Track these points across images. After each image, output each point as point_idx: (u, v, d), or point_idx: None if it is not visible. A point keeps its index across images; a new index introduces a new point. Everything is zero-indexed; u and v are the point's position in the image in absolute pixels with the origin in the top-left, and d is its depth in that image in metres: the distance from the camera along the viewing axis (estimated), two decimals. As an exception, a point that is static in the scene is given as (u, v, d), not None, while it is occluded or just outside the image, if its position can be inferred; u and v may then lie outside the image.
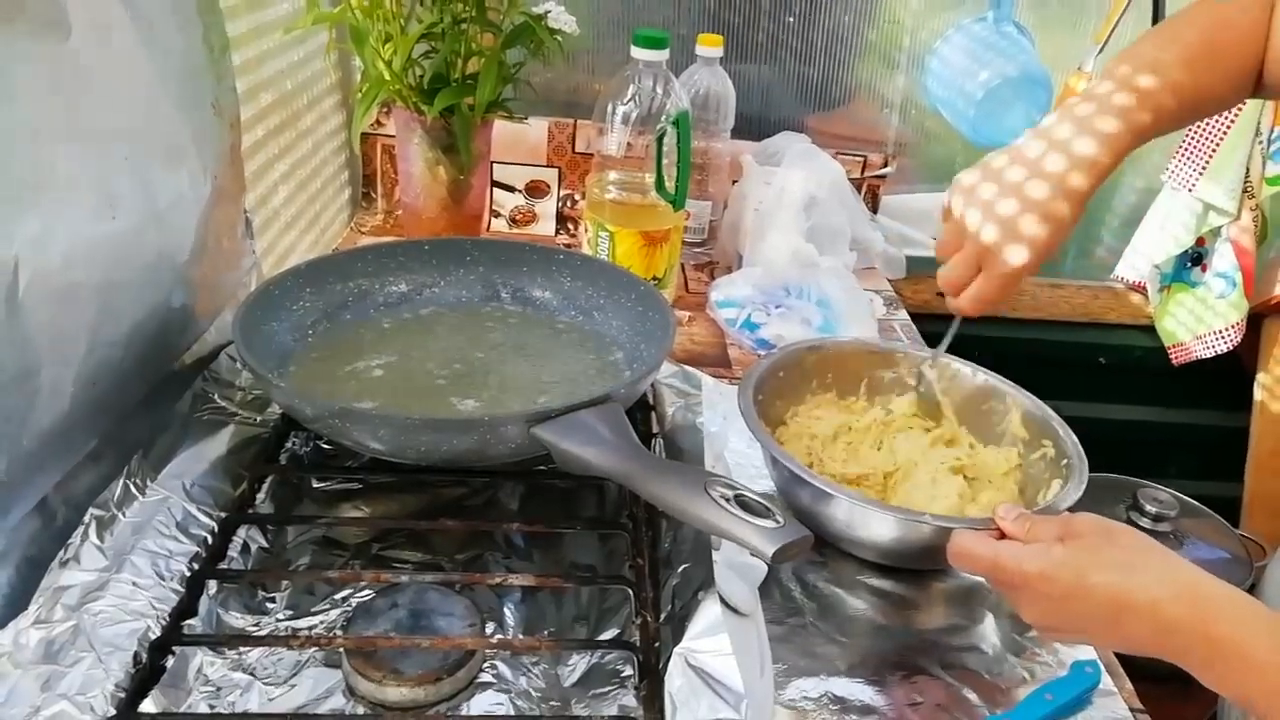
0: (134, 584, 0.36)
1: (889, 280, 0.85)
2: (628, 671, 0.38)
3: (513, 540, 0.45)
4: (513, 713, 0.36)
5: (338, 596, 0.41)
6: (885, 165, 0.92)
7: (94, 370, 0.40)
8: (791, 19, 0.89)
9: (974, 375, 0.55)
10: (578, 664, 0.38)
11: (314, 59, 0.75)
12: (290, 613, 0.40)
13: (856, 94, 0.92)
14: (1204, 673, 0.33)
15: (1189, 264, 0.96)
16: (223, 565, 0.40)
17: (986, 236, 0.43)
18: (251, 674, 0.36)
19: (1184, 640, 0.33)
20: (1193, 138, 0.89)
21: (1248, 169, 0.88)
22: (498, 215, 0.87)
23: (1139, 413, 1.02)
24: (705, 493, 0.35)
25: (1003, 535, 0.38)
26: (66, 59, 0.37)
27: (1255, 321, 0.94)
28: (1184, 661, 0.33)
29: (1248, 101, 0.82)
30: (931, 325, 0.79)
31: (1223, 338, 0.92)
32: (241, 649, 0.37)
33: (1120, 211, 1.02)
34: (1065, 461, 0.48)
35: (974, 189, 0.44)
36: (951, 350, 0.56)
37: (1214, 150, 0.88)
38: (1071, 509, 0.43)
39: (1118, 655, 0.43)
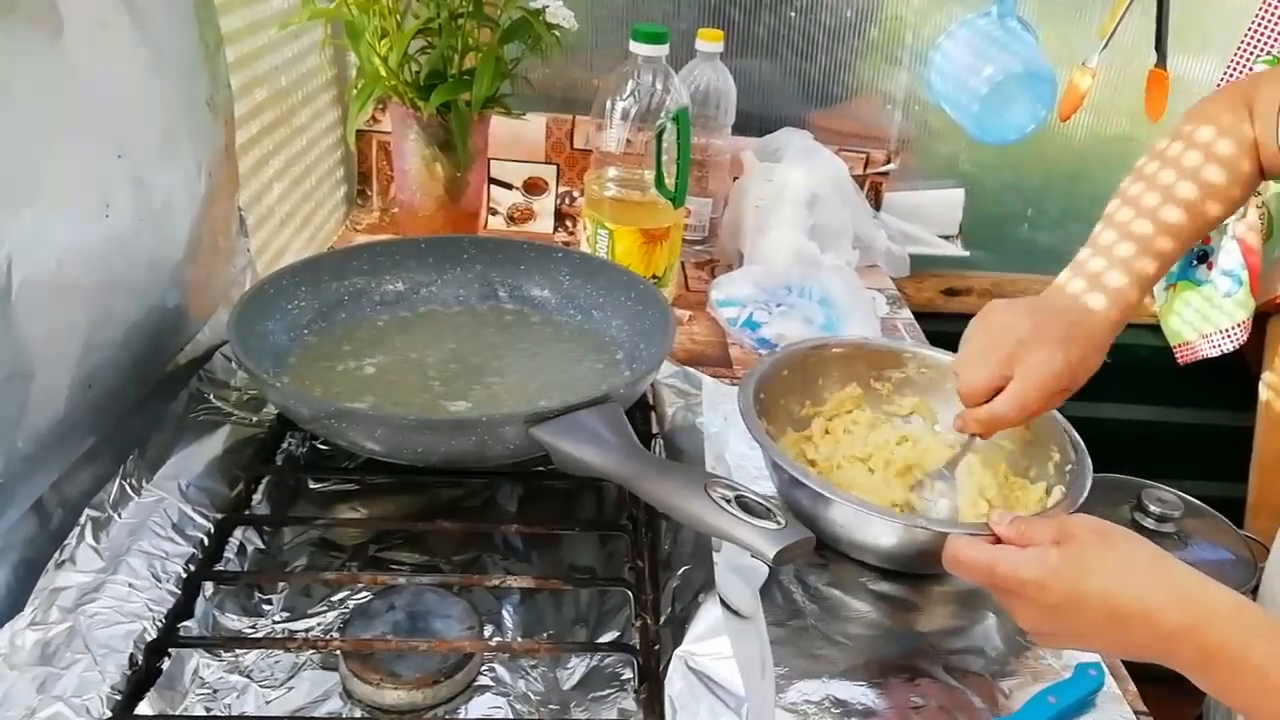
0: (130, 585, 0.36)
1: (892, 278, 0.85)
2: (627, 674, 0.37)
3: (511, 542, 0.44)
4: (511, 716, 0.36)
5: (335, 598, 0.40)
6: (888, 162, 0.92)
7: (89, 371, 0.40)
8: (793, 14, 0.88)
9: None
10: (577, 667, 0.38)
11: (309, 55, 0.74)
12: (287, 615, 0.40)
13: (859, 90, 0.91)
14: (1199, 677, 0.33)
15: (1195, 262, 0.95)
16: (219, 567, 0.39)
17: (1018, 335, 0.44)
18: (248, 676, 0.36)
19: (1179, 646, 0.33)
20: (1198, 134, 0.88)
21: (1254, 166, 0.87)
22: (495, 213, 0.86)
23: (1144, 412, 1.02)
24: (706, 494, 0.35)
25: (998, 540, 0.38)
26: (59, 56, 0.36)
27: (1261, 320, 0.93)
28: (1180, 666, 0.33)
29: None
30: (934, 324, 0.79)
31: (1228, 336, 0.91)
32: (238, 651, 0.37)
33: (1124, 208, 1.01)
34: (1069, 468, 0.47)
35: (1005, 316, 0.46)
36: (956, 349, 0.56)
37: (1219, 147, 0.87)
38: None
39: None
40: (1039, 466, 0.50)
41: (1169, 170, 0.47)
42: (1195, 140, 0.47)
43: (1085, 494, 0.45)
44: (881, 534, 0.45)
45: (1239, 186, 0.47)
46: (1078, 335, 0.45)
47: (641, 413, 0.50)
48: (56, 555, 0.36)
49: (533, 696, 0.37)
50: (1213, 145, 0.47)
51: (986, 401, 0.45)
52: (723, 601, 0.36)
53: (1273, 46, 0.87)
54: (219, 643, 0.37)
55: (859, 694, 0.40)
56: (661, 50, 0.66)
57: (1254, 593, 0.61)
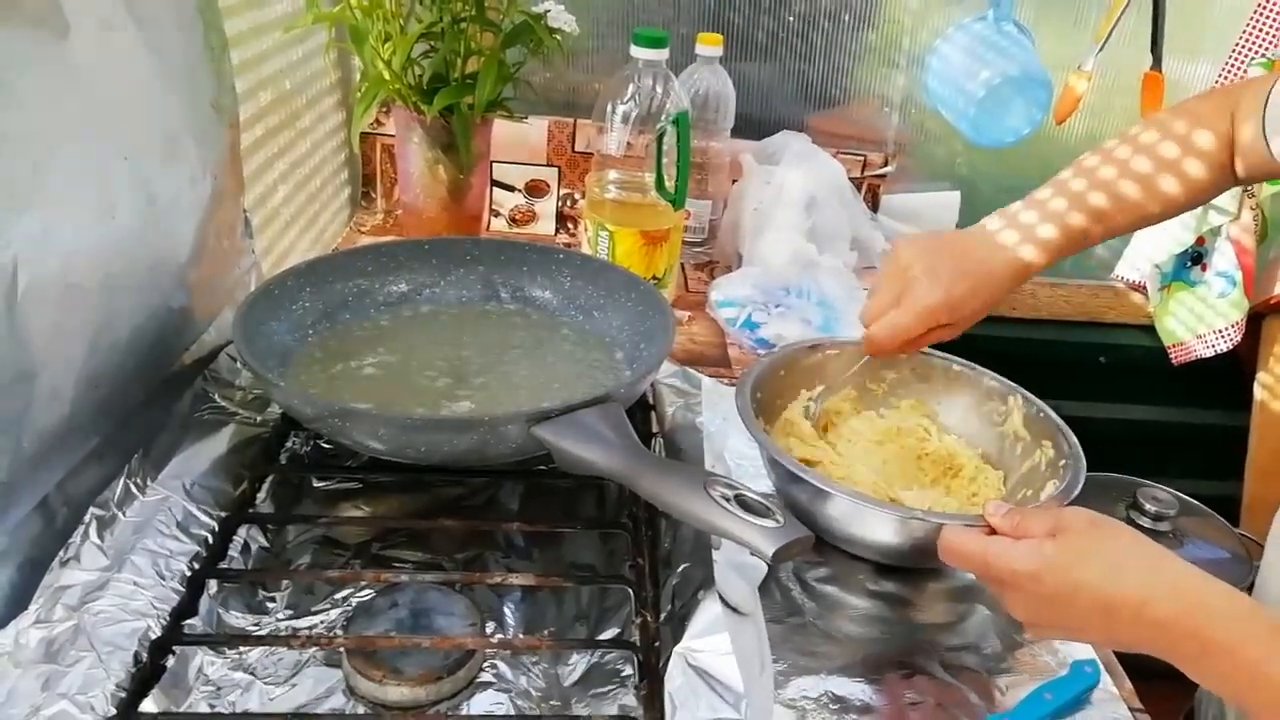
0: (134, 583, 0.36)
1: (887, 280, 0.85)
2: (628, 671, 0.38)
3: (513, 540, 0.45)
4: (513, 712, 0.36)
5: (338, 596, 0.41)
6: (885, 164, 0.92)
7: (94, 371, 0.40)
8: (792, 18, 0.88)
9: (974, 375, 0.55)
10: (578, 663, 0.38)
11: (313, 58, 0.75)
12: (290, 612, 0.40)
13: (856, 93, 0.92)
14: (1193, 669, 0.33)
15: (1189, 263, 0.96)
16: (223, 565, 0.40)
17: (915, 276, 0.47)
18: (252, 673, 0.36)
19: (1173, 637, 0.33)
20: (1193, 137, 0.89)
21: (1248, 168, 0.88)
22: (497, 215, 0.87)
23: (1139, 412, 1.02)
24: (705, 492, 0.35)
25: (993, 531, 0.39)
26: (65, 58, 0.37)
27: (1255, 321, 0.94)
28: (1173, 658, 0.34)
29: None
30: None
31: (1223, 337, 0.92)
32: (242, 649, 0.37)
33: (1120, 211, 1.02)
34: (1064, 462, 0.48)
35: (923, 247, 0.48)
36: (953, 350, 0.56)
37: (1214, 149, 0.88)
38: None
39: (1115, 653, 0.43)
40: (1032, 461, 0.51)
41: (1126, 145, 0.48)
42: (1163, 123, 0.48)
43: (1079, 488, 0.45)
44: (879, 527, 0.45)
45: (1205, 169, 0.47)
46: (970, 271, 0.47)
47: (642, 412, 0.50)
48: (61, 553, 0.36)
49: (534, 693, 0.37)
50: (1178, 128, 0.47)
51: None
52: (722, 599, 0.36)
53: (1267, 49, 0.88)
54: (223, 640, 0.37)
55: (857, 690, 0.40)
56: (662, 54, 0.67)
57: (1249, 591, 0.61)
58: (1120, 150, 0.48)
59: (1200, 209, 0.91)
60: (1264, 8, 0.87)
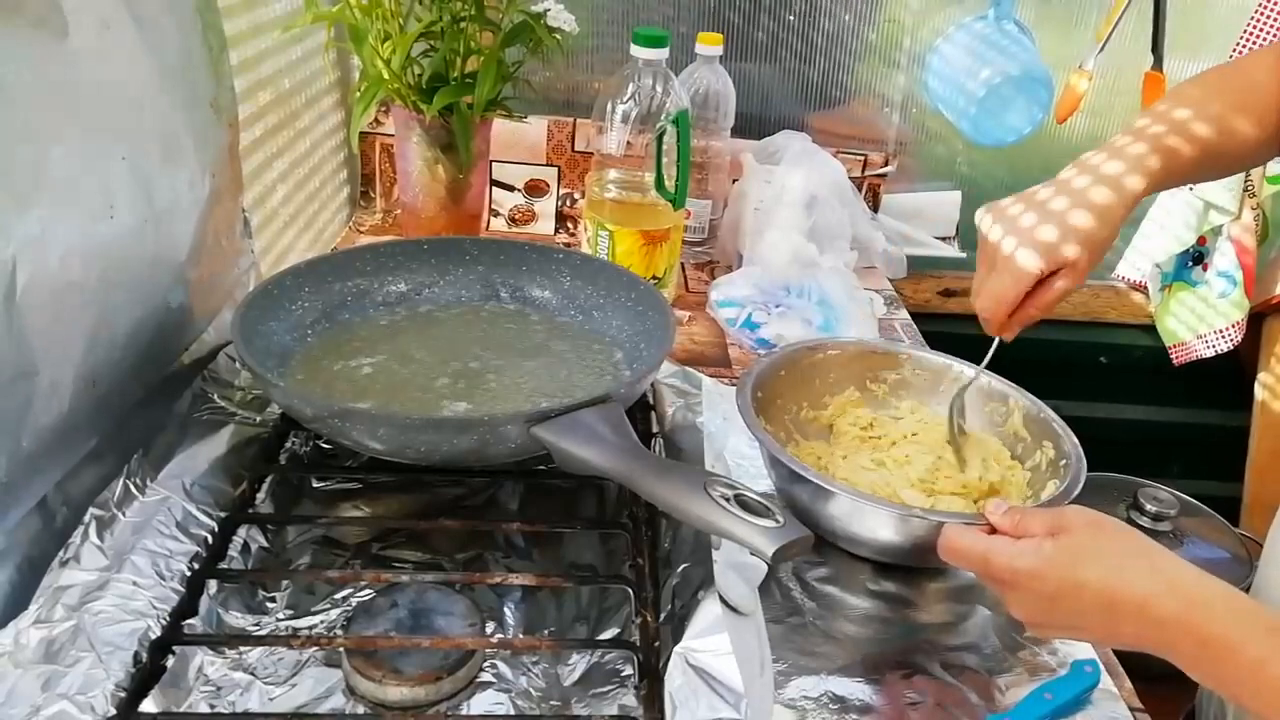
0: (134, 584, 0.36)
1: (889, 280, 0.85)
2: (628, 671, 0.38)
3: (513, 540, 0.45)
4: (513, 712, 0.36)
5: (338, 596, 0.41)
6: (886, 164, 0.92)
7: (93, 370, 0.40)
8: (792, 17, 0.88)
9: (975, 376, 0.55)
10: (578, 663, 0.38)
11: (312, 57, 0.75)
12: (290, 612, 0.40)
13: (857, 93, 0.92)
14: (1193, 668, 0.33)
15: (1190, 263, 0.96)
16: (223, 565, 0.40)
17: (1004, 243, 0.43)
18: (252, 673, 0.36)
19: (1173, 636, 0.33)
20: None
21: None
22: (497, 214, 0.87)
23: (1139, 412, 1.02)
24: (705, 492, 0.35)
25: (993, 529, 0.39)
26: (64, 58, 0.37)
27: (1256, 321, 0.94)
28: (1173, 657, 0.34)
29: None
30: (931, 325, 0.80)
31: (1224, 337, 0.92)
32: (242, 648, 0.37)
33: (1121, 210, 1.01)
34: (1064, 462, 0.48)
35: (991, 216, 0.45)
36: (953, 350, 0.56)
37: (1215, 149, 0.88)
38: (1069, 508, 0.43)
39: (1115, 653, 0.43)
40: (1033, 461, 0.51)
41: (1183, 93, 0.45)
42: (1221, 70, 0.45)
43: (1080, 488, 0.45)
44: (879, 526, 0.45)
45: (1259, 126, 0.44)
46: (1058, 210, 0.42)
47: (642, 412, 0.50)
48: (61, 554, 0.36)
49: (534, 693, 0.37)
50: (1236, 80, 0.45)
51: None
52: (722, 599, 0.36)
53: (1268, 49, 0.88)
54: (223, 640, 0.37)
55: (857, 690, 0.40)
56: (661, 54, 0.66)
57: (1249, 591, 0.61)
58: (1176, 99, 0.45)
59: (1201, 208, 0.91)
60: (1265, 7, 0.86)
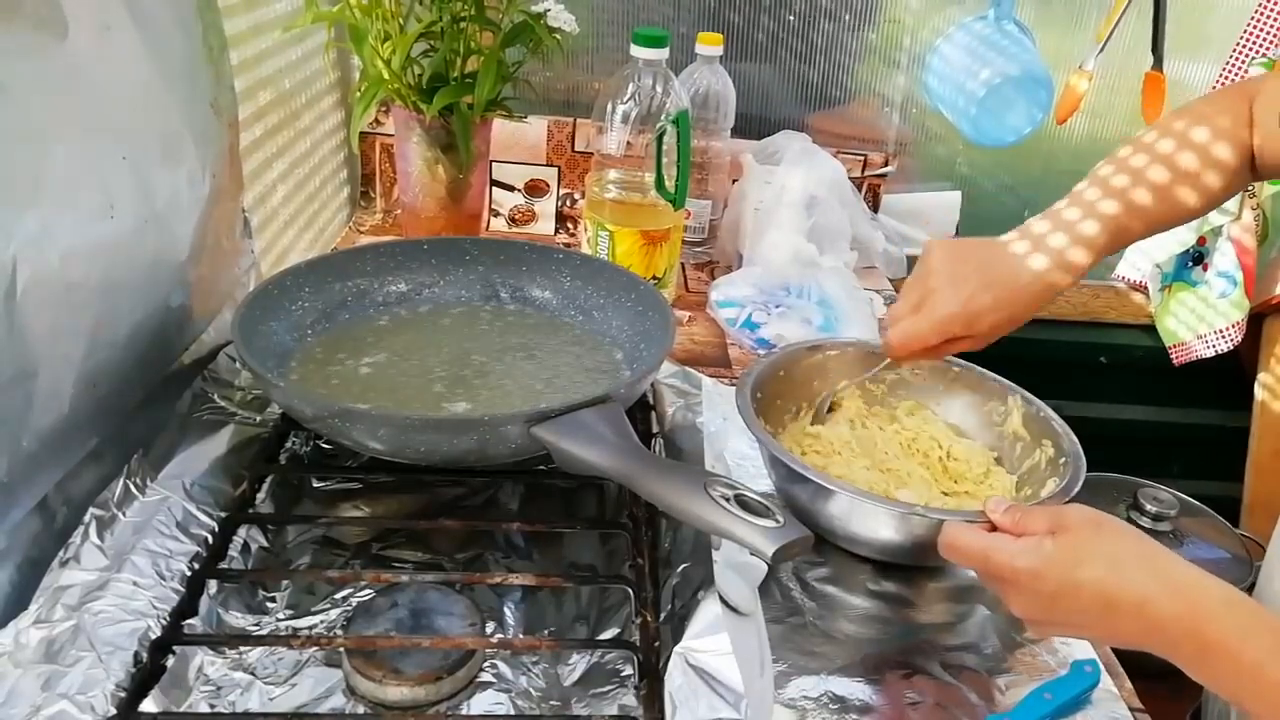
0: (134, 583, 0.36)
1: (890, 280, 0.85)
2: (628, 671, 0.38)
3: (513, 540, 0.45)
4: (513, 712, 0.36)
5: (338, 596, 0.41)
6: (886, 164, 0.92)
7: (93, 370, 0.40)
8: (792, 18, 0.88)
9: (974, 375, 0.55)
10: (578, 663, 0.38)
11: (313, 57, 0.75)
12: (290, 612, 0.40)
13: (857, 93, 0.92)
14: (1193, 668, 0.33)
15: (1190, 263, 0.96)
16: (223, 565, 0.40)
17: (934, 287, 0.46)
18: (252, 673, 0.36)
19: (1173, 637, 0.33)
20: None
21: (1249, 168, 0.88)
22: (497, 214, 0.87)
23: (1139, 412, 1.02)
24: (705, 492, 0.35)
25: (994, 527, 0.39)
26: (64, 58, 0.37)
27: (1256, 321, 0.94)
28: (1173, 657, 0.34)
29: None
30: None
31: (1224, 337, 0.92)
32: (242, 648, 0.37)
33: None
34: (1063, 461, 0.48)
35: (937, 254, 0.47)
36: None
37: (1215, 149, 0.88)
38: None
39: (1115, 652, 0.43)
40: (1032, 460, 0.51)
41: (1141, 154, 0.47)
42: (1176, 129, 0.47)
43: (1079, 487, 0.45)
44: (879, 525, 0.45)
45: (1221, 177, 0.46)
46: (994, 283, 0.46)
47: (642, 412, 0.50)
48: (61, 554, 0.36)
49: (534, 692, 0.37)
50: (1194, 134, 0.46)
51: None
52: (722, 599, 0.36)
53: (1268, 49, 0.88)
54: (223, 640, 0.37)
55: (856, 690, 0.40)
56: (661, 54, 0.66)
57: (1249, 591, 0.61)
58: (1135, 158, 0.47)
59: (1201, 209, 0.91)
60: (1265, 8, 0.87)
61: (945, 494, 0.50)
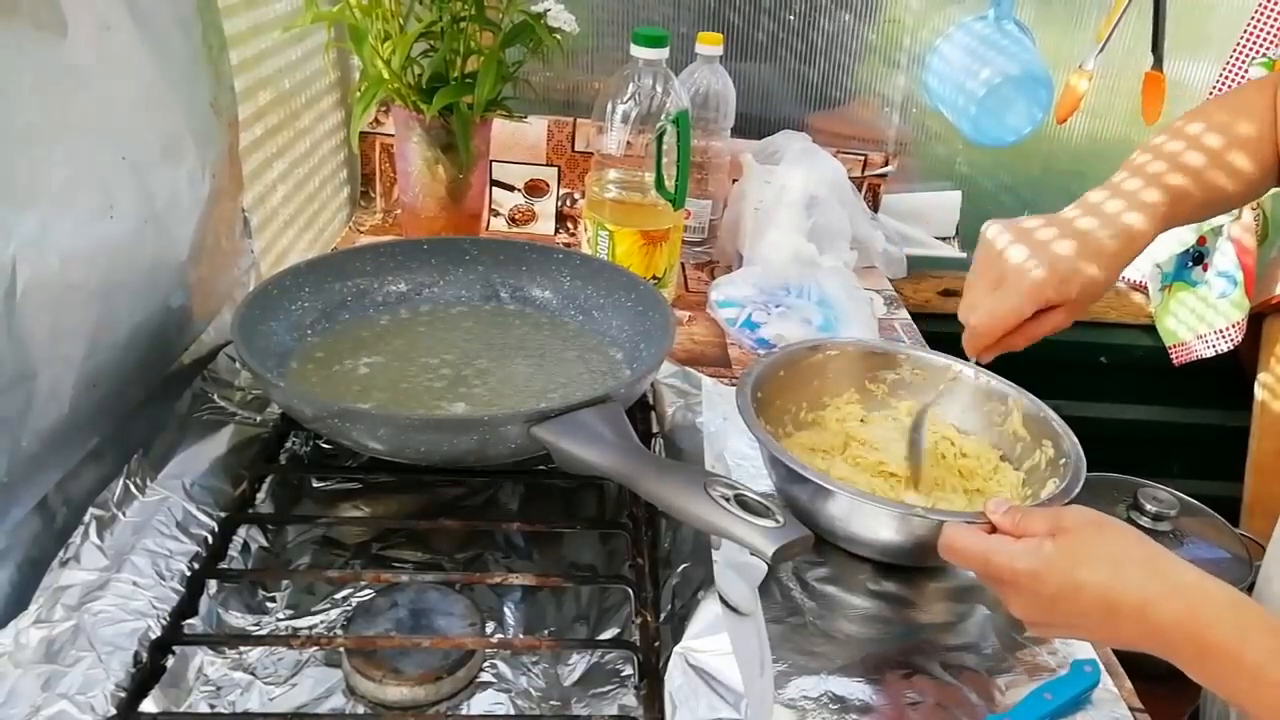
0: (134, 583, 0.36)
1: (889, 279, 0.85)
2: (628, 671, 0.38)
3: (513, 540, 0.45)
4: (513, 712, 0.36)
5: (338, 596, 0.41)
6: (886, 164, 0.92)
7: (93, 371, 0.40)
8: (792, 17, 0.88)
9: (975, 376, 0.55)
10: (578, 663, 0.38)
11: (312, 57, 0.75)
12: (290, 612, 0.40)
13: (857, 93, 0.92)
14: (1193, 670, 0.33)
15: (1190, 263, 0.96)
16: (223, 565, 0.40)
17: (1013, 257, 0.42)
18: (252, 673, 0.36)
19: (1174, 639, 0.33)
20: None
21: (1249, 167, 0.88)
22: (497, 214, 0.87)
23: (1139, 412, 1.02)
24: (705, 492, 0.35)
25: (994, 529, 0.39)
26: (63, 58, 0.37)
27: (1256, 321, 0.94)
28: (1173, 658, 0.34)
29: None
30: (932, 325, 0.80)
31: (1224, 337, 0.92)
32: (242, 648, 0.37)
33: (1121, 210, 1.01)
34: (1064, 461, 0.48)
35: (1023, 229, 0.44)
36: (953, 350, 0.56)
37: (1215, 149, 0.88)
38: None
39: (1115, 652, 0.43)
40: (1032, 460, 0.51)
41: (1192, 126, 0.45)
42: (1211, 114, 0.45)
43: (1079, 487, 0.45)
44: (880, 525, 0.45)
45: (1254, 159, 0.44)
46: (1079, 246, 0.42)
47: (642, 412, 0.50)
48: (61, 554, 0.36)
49: (534, 692, 0.37)
50: (1232, 125, 0.44)
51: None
52: (722, 599, 0.36)
53: (1268, 49, 0.88)
54: (223, 640, 0.37)
55: (856, 690, 0.40)
56: (661, 54, 0.66)
57: (1249, 591, 0.60)
58: (1192, 126, 0.45)
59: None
60: (1265, 7, 0.86)
61: (966, 491, 0.50)
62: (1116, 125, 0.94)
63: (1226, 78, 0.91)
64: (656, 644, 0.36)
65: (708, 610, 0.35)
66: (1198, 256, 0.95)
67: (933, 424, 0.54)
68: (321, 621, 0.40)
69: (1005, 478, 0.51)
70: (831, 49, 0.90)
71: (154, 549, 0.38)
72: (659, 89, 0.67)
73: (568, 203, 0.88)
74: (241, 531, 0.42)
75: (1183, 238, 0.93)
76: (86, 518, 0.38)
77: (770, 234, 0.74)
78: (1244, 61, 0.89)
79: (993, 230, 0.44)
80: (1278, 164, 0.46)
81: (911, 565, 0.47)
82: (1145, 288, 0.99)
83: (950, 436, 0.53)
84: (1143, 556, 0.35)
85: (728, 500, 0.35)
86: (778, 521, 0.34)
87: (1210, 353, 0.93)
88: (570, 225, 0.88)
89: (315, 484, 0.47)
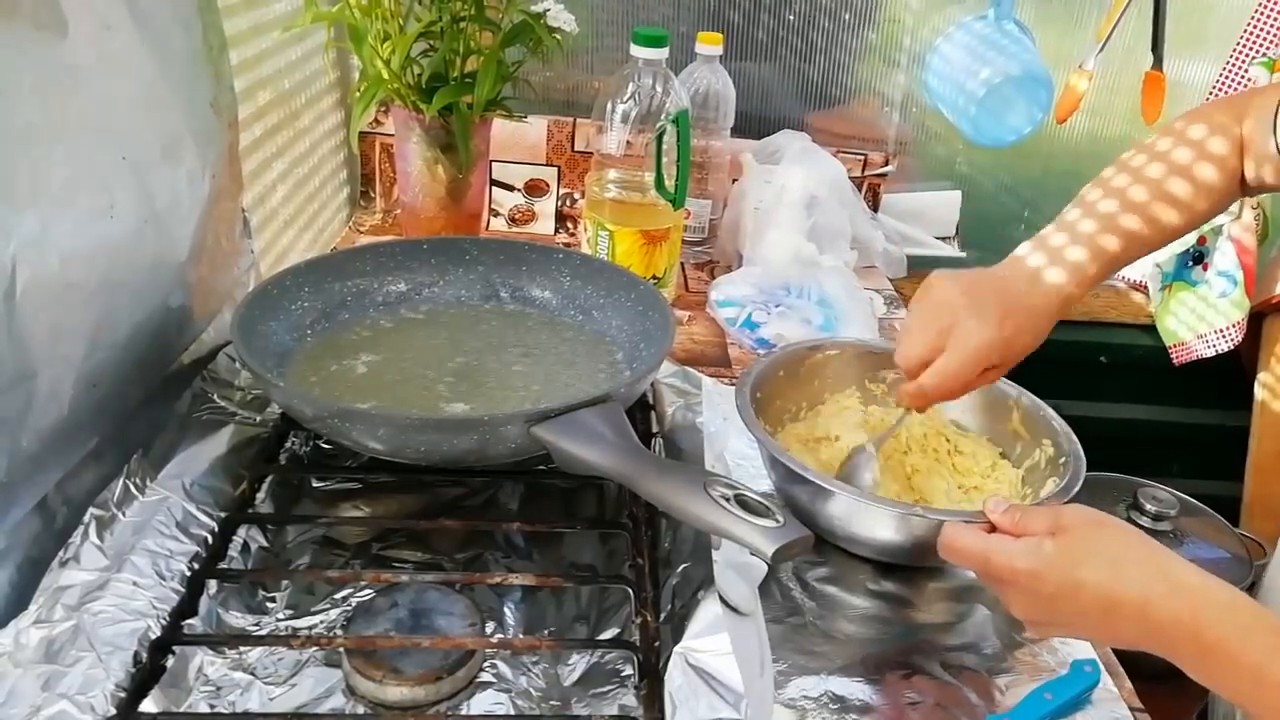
0: (134, 583, 0.36)
1: (890, 279, 0.85)
2: (628, 671, 0.38)
3: (513, 540, 0.45)
4: (513, 712, 0.36)
5: (338, 596, 0.41)
6: (886, 164, 0.92)
7: (93, 370, 0.40)
8: (792, 17, 0.88)
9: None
10: (578, 663, 0.38)
11: (312, 57, 0.75)
12: (290, 612, 0.40)
13: (857, 92, 0.92)
14: (1194, 669, 0.33)
15: (1190, 263, 0.96)
16: (223, 565, 0.40)
17: (961, 319, 0.44)
18: (252, 673, 0.36)
19: (1174, 638, 0.33)
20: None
21: (1249, 167, 0.88)
22: (497, 214, 0.87)
23: (1139, 412, 1.02)
24: (705, 492, 0.35)
25: (993, 528, 0.39)
26: (64, 58, 0.37)
27: (1256, 320, 0.94)
28: (1173, 657, 0.34)
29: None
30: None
31: (1224, 336, 0.92)
32: (242, 648, 0.37)
33: (1121, 210, 1.02)
34: (1063, 461, 0.48)
35: (943, 288, 0.46)
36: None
37: (1215, 148, 0.88)
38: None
39: (1115, 652, 0.43)
40: (1032, 459, 0.51)
41: (1153, 162, 0.46)
42: (1180, 134, 0.46)
43: (1079, 486, 0.45)
44: (879, 525, 0.45)
45: (1224, 178, 0.46)
46: (1016, 309, 0.44)
47: (642, 412, 0.50)
48: (61, 554, 0.36)
49: (534, 692, 0.37)
50: (1196, 136, 0.46)
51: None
52: (722, 599, 0.36)
53: (1268, 49, 0.88)
54: (223, 640, 0.37)
55: (856, 690, 0.40)
56: (661, 53, 0.66)
57: (1249, 591, 0.60)
58: (1150, 168, 0.46)
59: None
60: (1265, 7, 0.86)
61: (961, 488, 0.50)
62: (1116, 125, 0.94)
63: (1226, 78, 0.91)
64: (656, 644, 0.36)
65: (708, 610, 0.35)
66: (1198, 256, 0.95)
67: (929, 421, 0.54)
68: (321, 621, 0.40)
69: (1004, 475, 0.51)
70: (832, 48, 0.90)
71: (154, 549, 0.38)
72: (659, 89, 0.67)
73: (568, 203, 0.88)
74: (241, 531, 0.42)
75: (1183, 237, 0.93)
76: (86, 518, 0.38)
77: (770, 234, 0.74)
78: (1244, 61, 0.89)
79: (934, 285, 0.46)
80: (1235, 186, 0.47)
81: (911, 565, 0.47)
82: (1145, 288, 0.99)
83: (945, 433, 0.53)
84: (1143, 556, 0.35)
85: (728, 500, 0.35)
86: (778, 521, 0.34)
87: (1210, 352, 0.93)
88: (570, 225, 0.88)
89: (315, 484, 0.47)
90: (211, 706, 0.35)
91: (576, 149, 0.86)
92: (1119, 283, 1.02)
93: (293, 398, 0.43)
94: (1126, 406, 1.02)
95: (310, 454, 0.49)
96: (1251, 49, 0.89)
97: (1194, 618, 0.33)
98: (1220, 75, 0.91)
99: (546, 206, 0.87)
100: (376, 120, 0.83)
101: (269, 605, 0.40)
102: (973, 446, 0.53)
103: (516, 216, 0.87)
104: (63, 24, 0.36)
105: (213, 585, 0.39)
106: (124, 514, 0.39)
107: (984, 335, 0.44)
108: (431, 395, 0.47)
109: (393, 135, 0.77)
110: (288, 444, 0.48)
